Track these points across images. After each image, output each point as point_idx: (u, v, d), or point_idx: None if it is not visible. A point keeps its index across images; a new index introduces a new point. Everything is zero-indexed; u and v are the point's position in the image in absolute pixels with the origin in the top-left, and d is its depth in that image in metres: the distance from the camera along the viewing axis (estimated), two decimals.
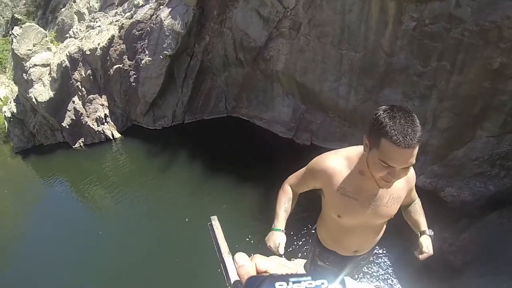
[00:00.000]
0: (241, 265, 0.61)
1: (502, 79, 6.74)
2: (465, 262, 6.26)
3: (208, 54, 12.18)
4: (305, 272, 0.56)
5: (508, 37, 6.29)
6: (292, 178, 2.18)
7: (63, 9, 14.46)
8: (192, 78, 12.26)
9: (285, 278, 0.51)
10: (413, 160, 1.53)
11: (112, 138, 12.54)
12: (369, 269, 6.82)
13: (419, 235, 2.15)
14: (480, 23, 6.63)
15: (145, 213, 9.58)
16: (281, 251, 1.93)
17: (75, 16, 14.00)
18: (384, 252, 7.07)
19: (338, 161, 1.86)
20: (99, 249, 8.43)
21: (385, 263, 6.93)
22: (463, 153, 8.02)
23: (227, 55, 11.86)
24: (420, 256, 2.08)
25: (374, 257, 7.01)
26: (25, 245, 9.35)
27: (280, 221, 2.08)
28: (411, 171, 1.75)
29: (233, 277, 3.93)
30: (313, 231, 2.56)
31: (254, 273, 0.59)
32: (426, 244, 2.08)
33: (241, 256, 0.63)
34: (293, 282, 0.50)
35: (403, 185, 1.86)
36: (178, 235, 8.52)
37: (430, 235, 2.13)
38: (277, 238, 1.99)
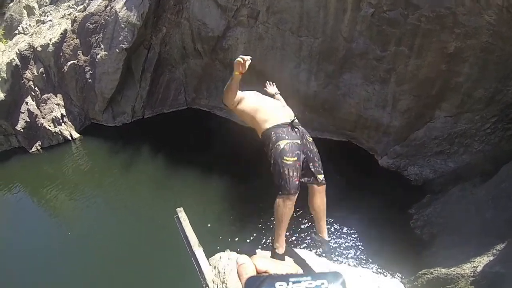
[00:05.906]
0: (241, 264, 0.63)
1: (457, 62, 7.13)
2: (432, 235, 6.65)
3: (165, 46, 11.88)
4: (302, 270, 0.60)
5: (463, 22, 6.64)
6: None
7: (11, 4, 13.30)
8: (150, 72, 11.93)
9: (285, 278, 0.54)
10: None
11: (70, 138, 11.92)
12: (346, 253, 7.11)
13: None
14: (436, 10, 6.95)
15: (111, 212, 9.39)
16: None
17: (24, 11, 13.00)
18: (358, 238, 7.40)
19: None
20: (69, 251, 8.18)
21: (359, 247, 7.24)
22: (423, 133, 8.45)
23: (185, 46, 11.64)
24: None
25: (350, 243, 7.36)
26: None
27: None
28: None
29: (206, 270, 3.92)
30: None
31: (254, 273, 0.62)
32: None
33: (241, 255, 0.66)
34: (293, 282, 0.53)
35: None
36: (145, 231, 8.43)
37: None
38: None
